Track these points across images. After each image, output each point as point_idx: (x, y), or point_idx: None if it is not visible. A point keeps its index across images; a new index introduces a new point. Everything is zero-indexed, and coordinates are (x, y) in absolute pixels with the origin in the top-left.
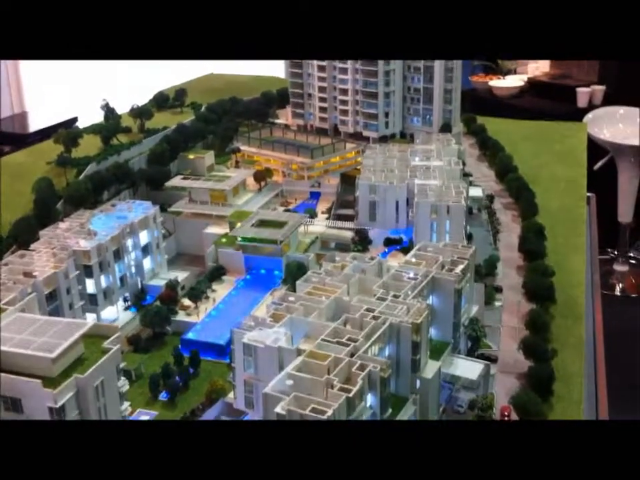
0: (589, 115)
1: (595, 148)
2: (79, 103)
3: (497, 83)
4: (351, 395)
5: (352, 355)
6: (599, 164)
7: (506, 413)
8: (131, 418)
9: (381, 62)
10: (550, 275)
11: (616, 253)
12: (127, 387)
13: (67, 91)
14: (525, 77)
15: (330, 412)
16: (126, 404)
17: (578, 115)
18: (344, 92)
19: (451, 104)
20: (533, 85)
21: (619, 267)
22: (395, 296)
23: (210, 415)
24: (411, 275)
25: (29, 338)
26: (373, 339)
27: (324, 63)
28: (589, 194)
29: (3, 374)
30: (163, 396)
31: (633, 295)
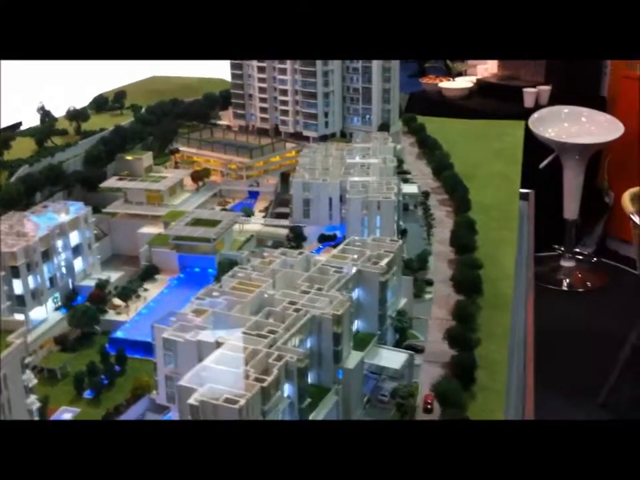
0: (535, 115)
1: (541, 147)
2: (22, 108)
3: (446, 84)
4: (265, 384)
5: (271, 347)
6: (545, 162)
7: (429, 401)
8: (54, 416)
9: (319, 62)
10: (478, 268)
11: (563, 249)
12: (35, 381)
13: (10, 95)
14: (473, 79)
15: (242, 401)
16: (32, 397)
17: (525, 115)
18: (284, 92)
19: (389, 103)
20: (482, 87)
21: (566, 263)
22: (318, 289)
23: (134, 411)
24: (339, 269)
25: None
26: (292, 331)
27: (264, 64)
28: (527, 190)
29: None
30: (87, 394)
31: (580, 290)
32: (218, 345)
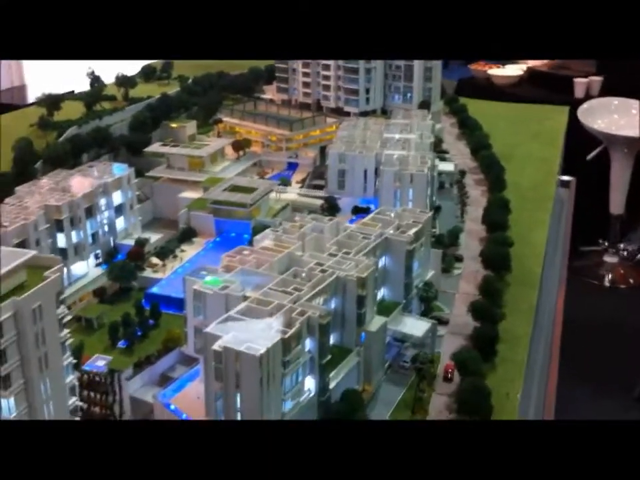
0: (584, 105)
1: (589, 138)
2: (75, 76)
3: (496, 71)
4: (286, 336)
5: (295, 303)
6: (592, 154)
7: (449, 370)
8: (88, 362)
9: None
10: (508, 245)
11: (607, 244)
12: (69, 317)
13: (65, 64)
14: (524, 67)
15: (263, 350)
16: (65, 331)
17: (575, 105)
18: (326, 67)
19: (431, 82)
20: (532, 75)
21: (609, 259)
22: (346, 253)
23: (164, 362)
24: (367, 235)
25: None
26: (317, 289)
27: None
28: (569, 178)
29: None
30: (121, 344)
31: (622, 286)
32: (245, 298)
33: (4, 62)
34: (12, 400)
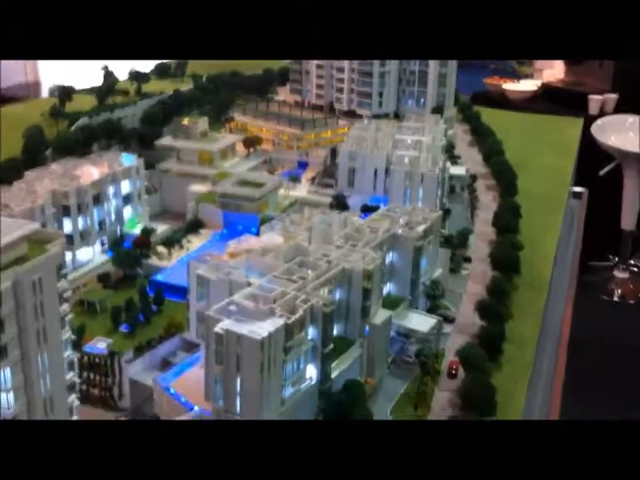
0: (598, 122)
1: (602, 154)
2: (90, 72)
3: (510, 86)
4: (289, 321)
5: (299, 292)
6: (605, 170)
7: (454, 367)
8: (88, 344)
9: None
10: (518, 249)
11: (617, 259)
12: (70, 292)
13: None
14: (539, 82)
15: (265, 333)
16: (65, 305)
17: (589, 122)
18: (340, 70)
19: (445, 87)
20: (547, 91)
21: (619, 274)
22: (352, 245)
23: (165, 347)
24: (374, 229)
25: None
26: (322, 279)
27: None
28: (581, 189)
29: None
30: (123, 328)
31: (631, 302)
32: (249, 285)
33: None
34: (8, 371)
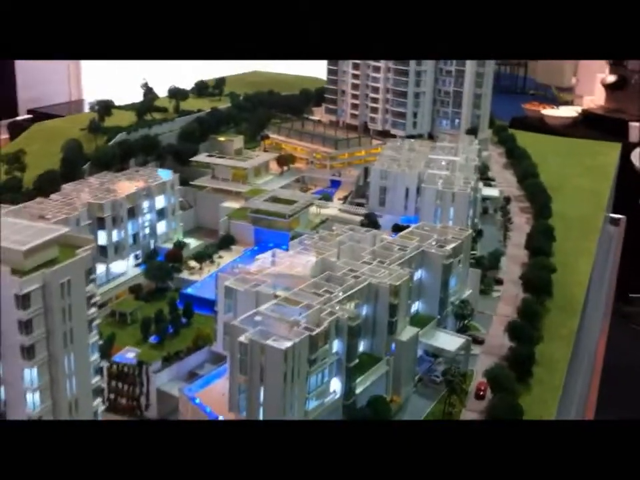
0: (637, 150)
1: None
2: (130, 89)
3: (550, 112)
4: (313, 333)
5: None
6: None
7: (482, 388)
8: (118, 354)
9: (412, 62)
10: (551, 271)
11: None
12: (98, 297)
13: (123, 78)
14: (578, 109)
15: (289, 344)
16: (93, 309)
17: (629, 149)
18: (375, 90)
19: (479, 109)
20: (587, 117)
21: None
22: (380, 262)
23: (193, 359)
24: (403, 247)
25: (6, 234)
26: (348, 293)
27: (359, 61)
28: (619, 215)
29: None
30: (153, 339)
31: None
32: (275, 297)
33: (63, 75)
34: (35, 371)
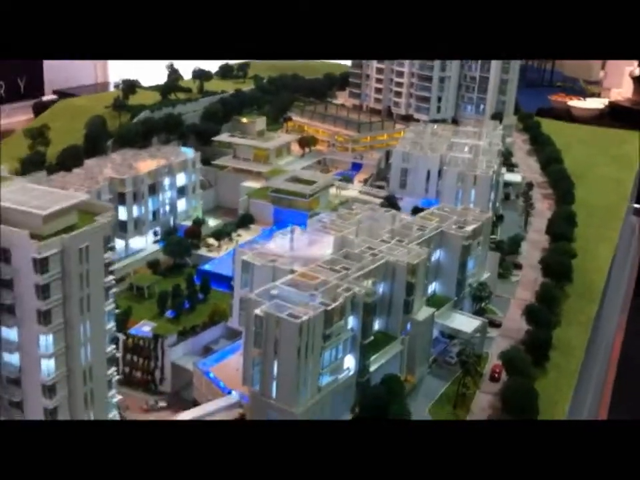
0: None
1: None
2: (156, 72)
3: (576, 103)
4: (329, 308)
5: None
6: None
7: (497, 370)
8: (134, 327)
9: None
10: (571, 257)
11: None
12: (117, 264)
13: (149, 63)
14: (605, 101)
15: (304, 318)
16: (110, 277)
17: None
18: (400, 74)
19: (505, 95)
20: (613, 109)
21: None
22: (399, 241)
23: (209, 334)
24: (422, 227)
25: (27, 200)
26: (365, 271)
27: None
28: None
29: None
30: (169, 313)
31: None
32: (292, 272)
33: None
34: (50, 337)
